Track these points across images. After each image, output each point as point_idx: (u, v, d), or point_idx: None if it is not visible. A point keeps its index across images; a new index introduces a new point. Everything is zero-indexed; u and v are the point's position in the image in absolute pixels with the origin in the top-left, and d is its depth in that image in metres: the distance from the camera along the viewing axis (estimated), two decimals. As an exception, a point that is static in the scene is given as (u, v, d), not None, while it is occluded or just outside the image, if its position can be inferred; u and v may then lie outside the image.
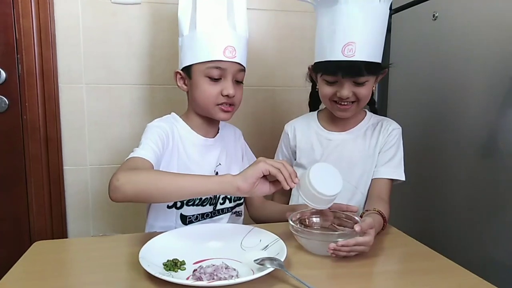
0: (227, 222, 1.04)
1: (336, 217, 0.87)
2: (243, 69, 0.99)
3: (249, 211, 1.14)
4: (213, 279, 0.64)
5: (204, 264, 0.70)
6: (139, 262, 0.67)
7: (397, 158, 1.03)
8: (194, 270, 0.68)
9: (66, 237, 1.44)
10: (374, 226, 0.77)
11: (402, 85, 1.42)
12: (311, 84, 1.14)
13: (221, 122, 1.09)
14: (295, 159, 1.14)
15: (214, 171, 1.03)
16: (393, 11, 1.40)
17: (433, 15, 1.23)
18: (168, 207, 0.98)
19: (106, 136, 1.44)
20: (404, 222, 1.03)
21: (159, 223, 1.00)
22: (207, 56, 0.94)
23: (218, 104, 0.97)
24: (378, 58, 0.96)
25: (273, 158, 1.19)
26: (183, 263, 0.71)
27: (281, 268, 0.66)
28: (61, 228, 1.43)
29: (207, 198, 1.00)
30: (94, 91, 1.40)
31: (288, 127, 1.16)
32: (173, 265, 0.70)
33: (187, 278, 0.66)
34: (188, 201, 0.98)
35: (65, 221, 1.45)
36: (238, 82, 1.00)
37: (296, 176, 0.78)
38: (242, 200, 1.10)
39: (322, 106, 1.14)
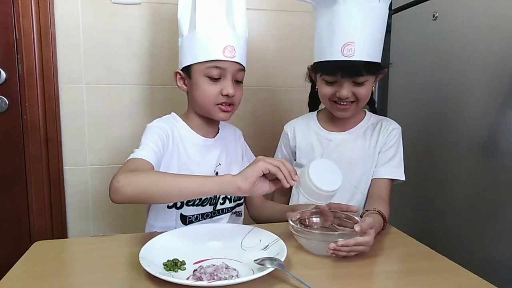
0: (227, 222, 1.04)
1: (336, 217, 0.87)
2: (242, 69, 0.99)
3: (249, 211, 1.14)
4: (213, 279, 0.64)
5: (204, 264, 0.70)
6: (139, 262, 0.67)
7: (397, 158, 1.03)
8: (194, 270, 0.68)
9: (66, 237, 1.44)
10: (374, 226, 0.77)
11: (402, 85, 1.42)
12: (310, 84, 1.14)
13: (221, 122, 1.09)
14: (295, 160, 1.14)
15: (214, 171, 1.03)
16: (393, 11, 1.40)
17: (433, 15, 1.23)
18: (168, 207, 0.98)
19: (106, 136, 1.44)
20: (404, 222, 1.03)
21: (159, 223, 1.00)
22: (206, 56, 0.94)
23: (217, 104, 0.97)
24: (377, 58, 0.96)
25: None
26: (183, 263, 0.71)
27: (281, 268, 0.66)
28: (61, 228, 1.44)
29: (207, 198, 1.00)
30: (94, 91, 1.40)
31: (288, 128, 1.16)
32: (173, 265, 0.70)
33: (187, 278, 0.66)
34: (188, 201, 0.98)
35: (65, 221, 1.45)
36: (238, 82, 1.00)
37: (296, 174, 0.78)
38: (242, 200, 1.10)
39: (321, 106, 1.14)
